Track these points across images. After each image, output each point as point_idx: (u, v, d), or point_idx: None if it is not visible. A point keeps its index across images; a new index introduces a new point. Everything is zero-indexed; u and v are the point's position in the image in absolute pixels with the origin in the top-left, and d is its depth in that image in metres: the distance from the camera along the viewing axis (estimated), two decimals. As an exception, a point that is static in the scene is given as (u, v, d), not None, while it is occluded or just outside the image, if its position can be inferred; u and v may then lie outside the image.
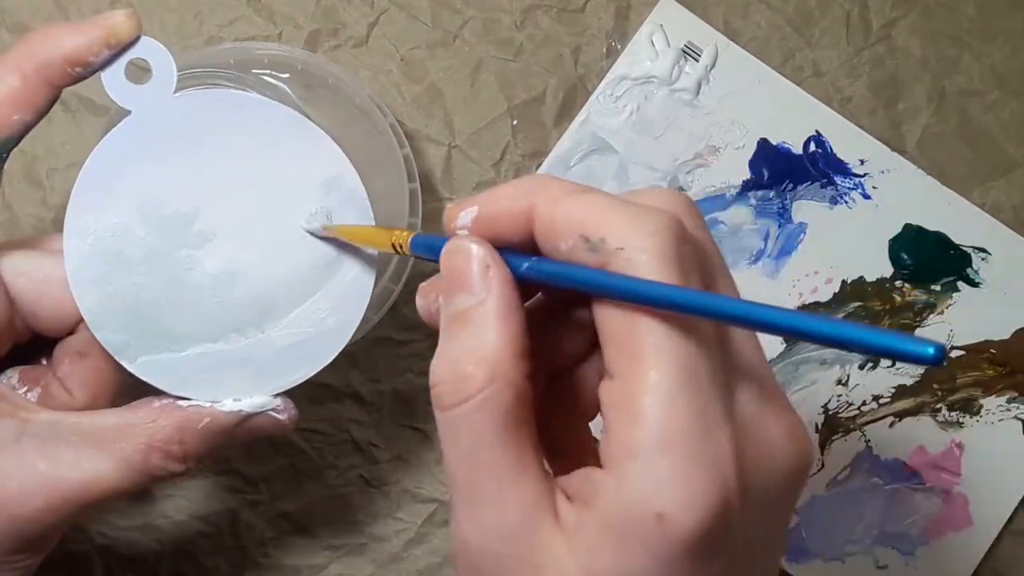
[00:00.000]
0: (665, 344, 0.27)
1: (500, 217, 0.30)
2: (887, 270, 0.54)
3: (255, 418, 0.39)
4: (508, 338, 0.29)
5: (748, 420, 0.29)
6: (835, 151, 0.54)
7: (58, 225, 0.52)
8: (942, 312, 0.55)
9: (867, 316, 0.54)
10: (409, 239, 0.34)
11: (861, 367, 0.54)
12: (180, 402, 0.38)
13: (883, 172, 0.54)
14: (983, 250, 0.54)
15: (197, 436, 0.38)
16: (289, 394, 0.40)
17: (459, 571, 0.31)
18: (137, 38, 0.37)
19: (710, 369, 0.28)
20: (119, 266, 0.38)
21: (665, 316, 0.27)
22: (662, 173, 0.54)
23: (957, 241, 0.54)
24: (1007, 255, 0.54)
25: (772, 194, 0.54)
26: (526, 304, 0.31)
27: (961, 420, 0.55)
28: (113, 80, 0.37)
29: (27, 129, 0.37)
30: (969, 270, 0.54)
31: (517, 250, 0.31)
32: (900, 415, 0.55)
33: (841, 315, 0.54)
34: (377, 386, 0.53)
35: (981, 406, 0.55)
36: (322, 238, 0.39)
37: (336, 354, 0.40)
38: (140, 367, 0.39)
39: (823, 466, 0.54)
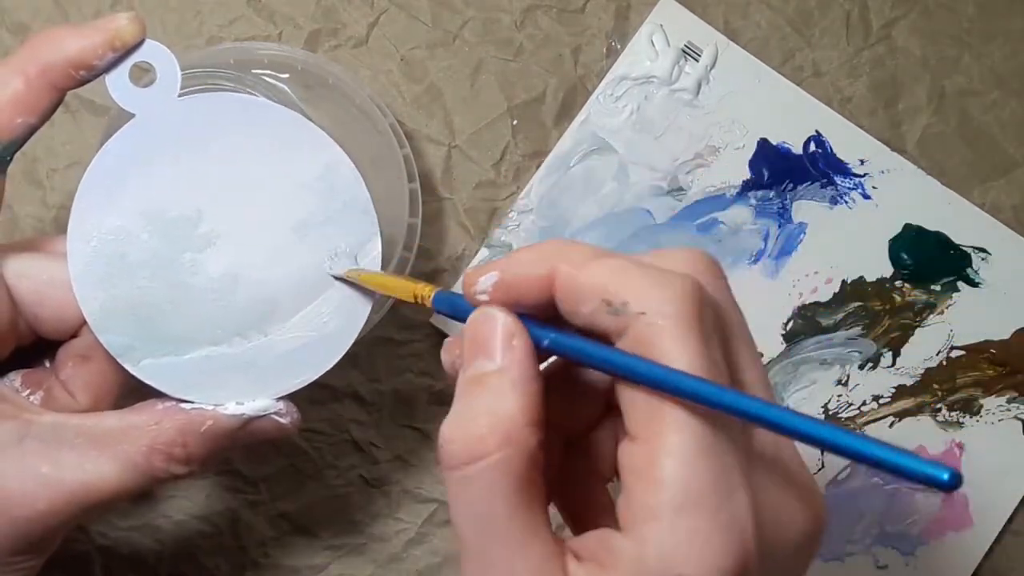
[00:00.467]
0: (685, 410, 0.28)
1: (521, 282, 0.31)
2: (887, 270, 0.54)
3: (258, 421, 0.39)
4: (524, 406, 0.30)
5: (764, 482, 0.29)
6: (835, 151, 0.54)
7: (58, 225, 0.52)
8: (942, 312, 0.55)
9: (867, 316, 0.54)
10: (432, 295, 0.35)
11: (861, 367, 0.54)
12: (183, 405, 0.38)
13: (883, 172, 0.54)
14: (983, 250, 0.54)
15: (200, 439, 0.38)
16: (291, 397, 0.40)
17: None
18: (141, 41, 0.37)
19: (729, 432, 0.28)
20: (123, 269, 0.38)
21: None
22: (662, 173, 0.54)
23: (957, 241, 0.54)
24: (1007, 255, 0.54)
25: (772, 194, 0.54)
26: (542, 367, 0.31)
27: (961, 420, 0.55)
28: (117, 83, 0.37)
29: (31, 132, 0.37)
30: (969, 270, 0.55)
31: (537, 313, 0.31)
32: (900, 415, 0.55)
33: (841, 315, 0.54)
34: (377, 386, 0.53)
35: (981, 406, 0.55)
36: (345, 281, 0.40)
37: (339, 358, 0.40)
38: (143, 370, 0.39)
39: (823, 466, 0.54)
